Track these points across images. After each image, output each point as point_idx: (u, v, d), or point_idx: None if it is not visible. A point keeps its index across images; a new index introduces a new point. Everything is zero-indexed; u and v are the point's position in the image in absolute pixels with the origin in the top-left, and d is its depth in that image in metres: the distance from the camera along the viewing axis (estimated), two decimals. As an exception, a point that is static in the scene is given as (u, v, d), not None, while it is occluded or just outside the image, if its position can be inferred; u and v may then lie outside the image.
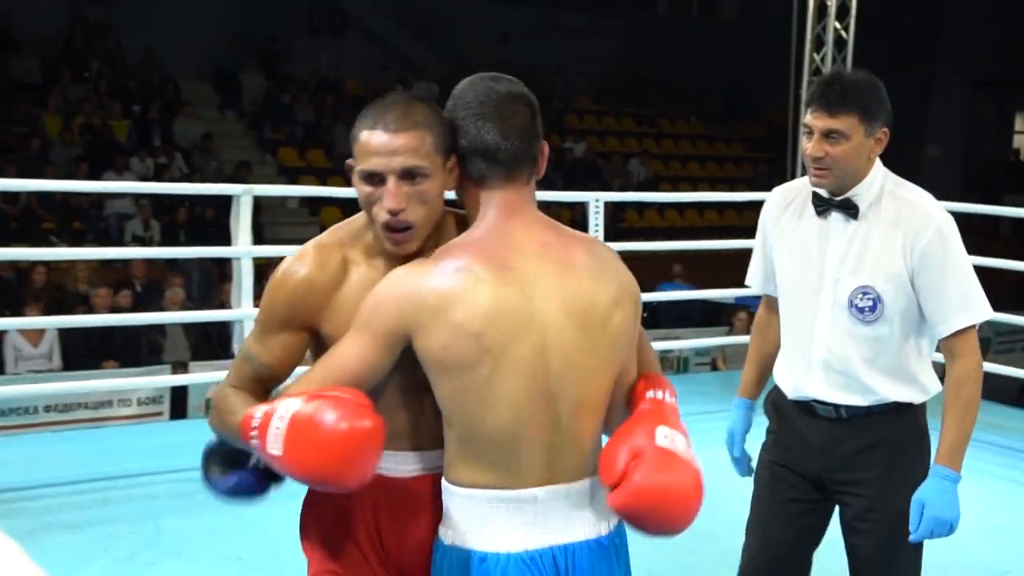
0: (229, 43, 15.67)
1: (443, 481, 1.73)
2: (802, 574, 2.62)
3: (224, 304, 6.93)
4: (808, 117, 2.42)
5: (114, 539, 3.89)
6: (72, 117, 13.21)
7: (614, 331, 1.73)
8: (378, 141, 1.65)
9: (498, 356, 1.63)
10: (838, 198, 2.42)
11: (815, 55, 8.28)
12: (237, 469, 1.82)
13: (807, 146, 2.41)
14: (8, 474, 4.44)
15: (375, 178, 1.66)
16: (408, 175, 1.63)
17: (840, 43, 8.27)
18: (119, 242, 11.30)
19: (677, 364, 9.40)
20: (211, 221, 11.48)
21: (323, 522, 1.88)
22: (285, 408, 1.59)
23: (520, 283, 1.66)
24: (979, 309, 2.37)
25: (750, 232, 3.02)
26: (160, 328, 8.59)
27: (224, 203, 5.69)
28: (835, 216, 2.43)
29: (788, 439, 2.58)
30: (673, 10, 20.19)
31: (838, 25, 8.28)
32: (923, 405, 2.50)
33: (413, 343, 1.63)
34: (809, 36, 8.35)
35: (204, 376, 7.02)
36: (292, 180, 13.45)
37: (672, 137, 17.42)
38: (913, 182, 2.59)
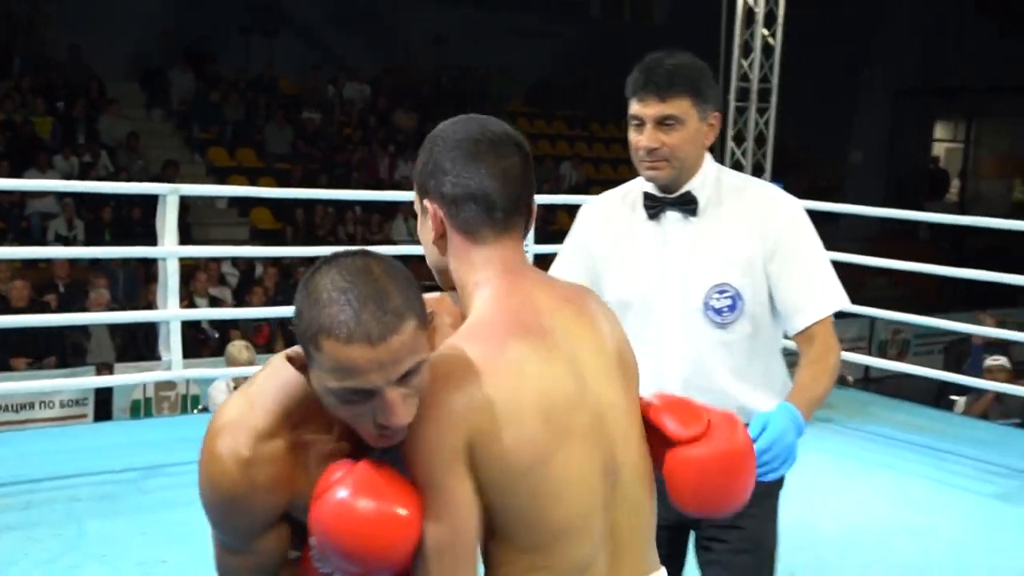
0: (158, 41, 15.50)
1: None
2: None
3: (151, 305, 6.92)
4: (635, 107, 2.20)
5: (36, 542, 3.83)
6: None
7: (636, 371, 1.60)
8: (364, 359, 1.29)
9: (562, 438, 1.40)
10: (673, 195, 2.24)
11: (743, 61, 8.41)
12: None
13: (638, 139, 2.19)
14: None
15: (363, 393, 1.33)
16: (406, 378, 1.33)
17: (768, 50, 8.39)
18: (41, 242, 11.17)
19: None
20: (138, 221, 11.30)
21: None
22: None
23: (558, 346, 1.44)
24: (837, 297, 2.22)
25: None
26: (84, 329, 8.56)
27: (151, 203, 5.64)
28: (671, 216, 2.24)
29: None
30: (605, 14, 20.42)
31: (766, 32, 8.39)
32: None
33: (475, 459, 1.34)
34: (737, 42, 8.45)
35: (129, 377, 7.17)
36: (221, 180, 13.36)
37: (604, 141, 17.59)
38: (838, 187, 2.68)
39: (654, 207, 2.23)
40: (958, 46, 18.39)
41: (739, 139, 8.45)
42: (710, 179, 2.23)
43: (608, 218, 2.33)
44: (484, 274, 1.47)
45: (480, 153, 1.46)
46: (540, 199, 9.19)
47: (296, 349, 1.36)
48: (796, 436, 1.98)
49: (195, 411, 7.41)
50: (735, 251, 2.20)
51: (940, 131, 20.54)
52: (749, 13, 8.41)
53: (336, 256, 1.34)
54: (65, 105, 13.70)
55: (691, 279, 2.21)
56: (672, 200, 2.21)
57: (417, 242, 1.76)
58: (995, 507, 4.81)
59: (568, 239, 2.43)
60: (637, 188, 2.31)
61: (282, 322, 9.55)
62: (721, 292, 2.19)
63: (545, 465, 1.38)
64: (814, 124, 14.65)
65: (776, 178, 7.45)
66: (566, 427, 1.40)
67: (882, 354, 10.06)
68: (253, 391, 1.47)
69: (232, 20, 16.10)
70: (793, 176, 7.82)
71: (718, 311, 2.19)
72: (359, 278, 1.32)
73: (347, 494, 1.34)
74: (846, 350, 8.60)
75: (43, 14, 14.59)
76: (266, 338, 9.42)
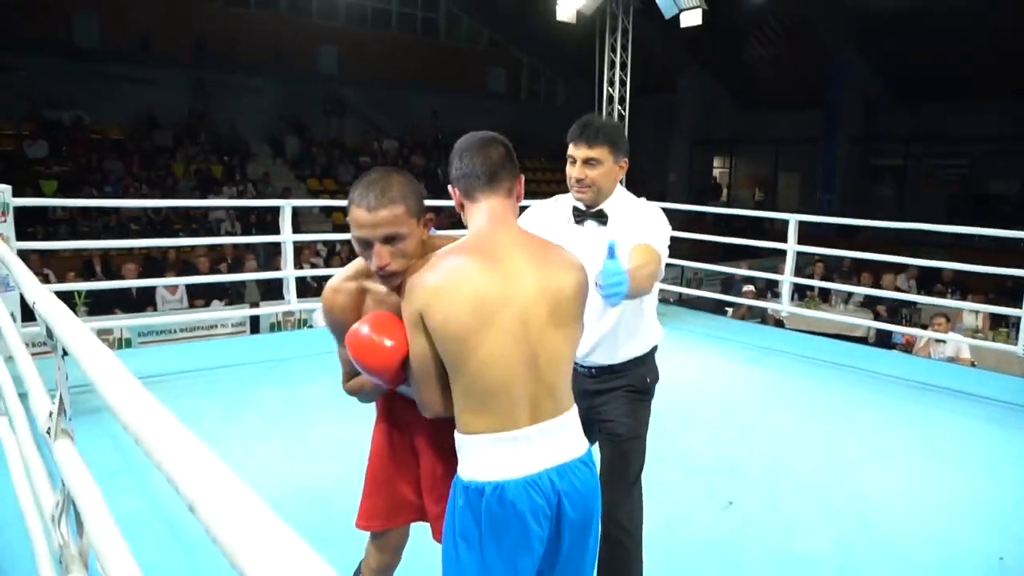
0: (277, 120, 15.65)
1: (455, 433, 1.40)
2: None
3: (278, 268, 6.15)
4: (572, 149, 2.01)
5: (218, 404, 3.74)
6: (189, 164, 13.44)
7: (576, 310, 1.44)
8: (363, 218, 1.35)
9: (488, 324, 1.32)
10: (592, 210, 2.05)
11: None
12: None
13: (572, 171, 2.01)
14: (159, 366, 4.44)
15: (364, 243, 1.38)
16: (389, 240, 1.35)
17: (621, 117, 8.41)
18: (217, 234, 11.40)
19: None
20: (270, 222, 11.40)
21: (383, 423, 1.70)
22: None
23: (504, 272, 1.36)
24: (660, 246, 1.95)
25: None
26: (242, 283, 8.52)
27: (276, 212, 5.25)
28: (590, 224, 2.05)
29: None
30: (528, 97, 20.70)
31: (620, 108, 8.50)
32: (651, 352, 2.11)
33: (424, 322, 1.33)
34: (604, 113, 8.38)
35: (269, 309, 7.11)
36: (315, 197, 13.52)
37: (531, 170, 17.49)
38: (664, 195, 2.50)
39: (580, 217, 2.06)
40: (724, 115, 19.17)
41: None
42: (618, 202, 2.05)
43: (543, 219, 2.12)
44: (477, 223, 1.42)
45: (471, 149, 1.44)
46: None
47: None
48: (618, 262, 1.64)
49: (306, 327, 7.24)
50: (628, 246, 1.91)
51: (716, 163, 20.97)
52: (609, 98, 8.56)
53: (379, 166, 1.42)
54: (228, 158, 13.97)
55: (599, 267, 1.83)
56: (591, 214, 2.05)
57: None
58: (742, 367, 4.84)
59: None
60: (565, 202, 2.11)
61: None
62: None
63: (470, 341, 1.31)
64: (648, 158, 15.42)
65: (628, 190, 7.63)
66: (487, 321, 1.32)
67: (687, 285, 10.21)
68: (353, 262, 1.55)
69: (317, 107, 16.34)
70: (638, 189, 8.17)
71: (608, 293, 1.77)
72: (378, 175, 1.38)
73: (361, 327, 1.36)
74: (668, 284, 8.88)
75: (213, 106, 14.96)
76: None
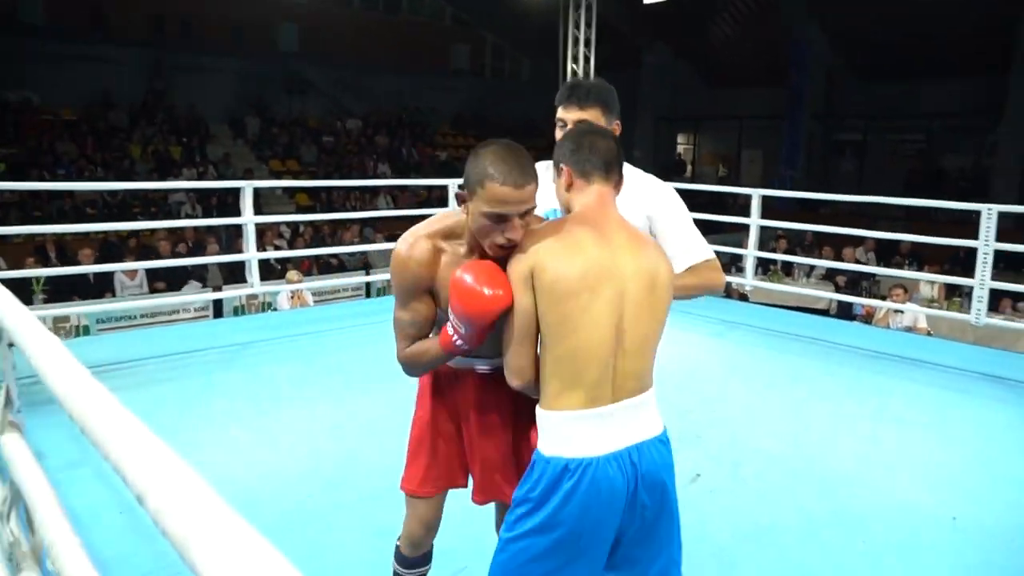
0: (237, 100, 15.42)
1: (539, 410, 1.41)
2: None
3: (241, 251, 5.92)
4: (561, 112, 1.83)
5: (182, 389, 3.69)
6: (147, 145, 13.19)
7: (667, 297, 1.46)
8: (510, 195, 1.36)
9: (592, 292, 1.36)
10: None
11: None
12: None
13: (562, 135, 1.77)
14: (119, 353, 4.33)
15: (501, 218, 1.37)
16: (526, 214, 1.40)
17: None
18: (177, 217, 11.25)
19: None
20: (231, 204, 11.28)
21: (428, 395, 1.70)
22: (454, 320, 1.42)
23: (611, 247, 1.41)
24: (708, 249, 1.84)
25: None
26: (204, 266, 8.49)
27: (237, 193, 5.16)
28: None
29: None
30: (493, 73, 20.56)
31: None
32: None
33: (533, 280, 1.37)
34: None
35: (231, 293, 6.96)
36: (278, 178, 13.25)
37: None
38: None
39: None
40: (688, 92, 19.23)
41: None
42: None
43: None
44: (585, 202, 1.46)
45: (593, 138, 1.51)
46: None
47: (461, 192, 1.39)
48: None
49: (269, 311, 7.09)
50: (629, 216, 1.61)
51: (680, 139, 21.06)
52: (574, 75, 8.55)
53: (492, 141, 1.41)
54: (187, 139, 13.73)
55: None
56: None
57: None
58: (707, 341, 4.88)
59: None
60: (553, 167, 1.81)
61: (316, 258, 9.37)
62: None
63: (574, 304, 1.34)
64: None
65: None
66: (593, 288, 1.35)
67: None
68: (423, 222, 1.52)
69: (278, 85, 16.09)
70: None
71: None
72: (511, 151, 1.39)
73: (464, 275, 1.37)
74: None
75: (172, 87, 14.63)
76: (307, 268, 9.08)
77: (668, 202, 1.83)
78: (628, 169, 1.80)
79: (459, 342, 1.43)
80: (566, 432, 1.37)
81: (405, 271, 1.47)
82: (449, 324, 1.44)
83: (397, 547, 1.79)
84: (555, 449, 1.37)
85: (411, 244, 1.47)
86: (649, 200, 1.81)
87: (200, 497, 0.62)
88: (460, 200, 1.39)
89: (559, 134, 1.77)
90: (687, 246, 1.80)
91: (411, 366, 1.54)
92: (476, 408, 1.60)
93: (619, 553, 1.44)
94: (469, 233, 1.43)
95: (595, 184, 1.47)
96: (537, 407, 1.41)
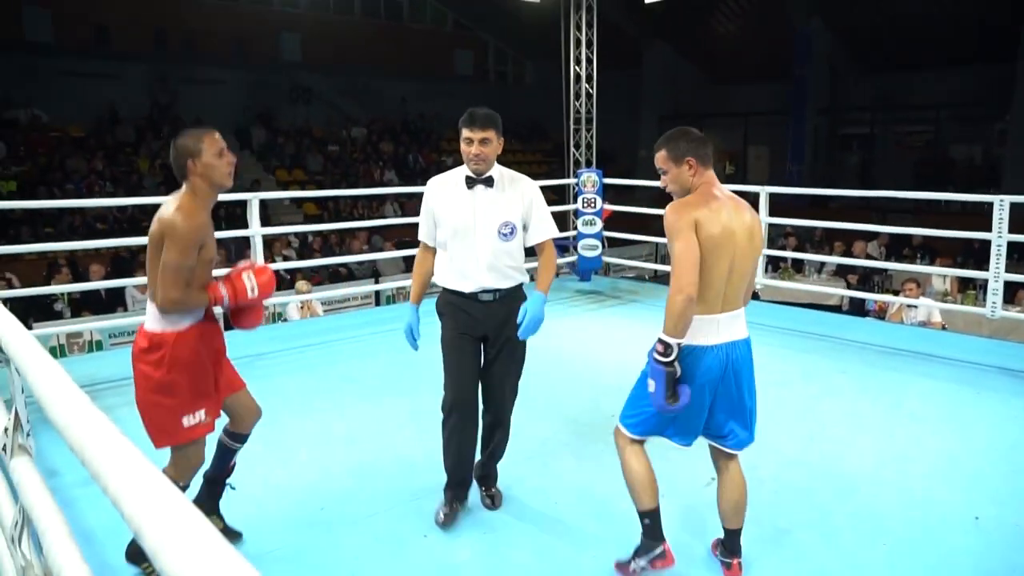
0: (243, 111, 15.40)
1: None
2: (476, 382, 2.60)
3: None
4: (466, 132, 2.49)
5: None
6: (154, 159, 13.17)
7: (759, 245, 2.15)
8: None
9: (723, 243, 2.02)
10: (481, 177, 2.53)
11: (576, 103, 8.42)
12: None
13: (468, 149, 2.50)
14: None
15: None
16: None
17: (589, 95, 8.38)
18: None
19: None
20: (239, 215, 10.69)
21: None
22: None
23: (731, 214, 2.06)
24: (555, 230, 2.60)
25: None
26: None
27: (245, 204, 5.47)
28: (479, 187, 2.54)
29: (464, 323, 2.57)
30: (497, 78, 20.65)
31: (587, 86, 8.39)
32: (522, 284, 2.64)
33: (696, 230, 2.01)
34: (572, 92, 8.42)
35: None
36: (285, 188, 13.46)
37: (503, 152, 17.80)
38: (633, 171, 2.74)
39: (471, 183, 2.54)
40: (691, 90, 19.18)
41: (577, 146, 8.46)
42: (498, 172, 2.56)
43: (441, 187, 2.60)
44: (704, 182, 2.11)
45: (704, 141, 2.15)
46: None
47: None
48: (541, 315, 2.48)
49: (279, 321, 7.03)
50: (513, 206, 2.55)
51: None
52: (577, 77, 8.42)
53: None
54: None
55: (491, 218, 2.52)
56: (481, 180, 2.53)
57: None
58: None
59: (423, 203, 2.65)
60: (457, 174, 2.59)
61: (325, 267, 9.26)
62: (506, 224, 2.53)
63: (715, 252, 2.02)
64: (618, 135, 15.05)
65: (598, 167, 7.45)
66: (724, 242, 2.03)
67: (662, 262, 9.72)
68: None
69: (282, 95, 16.14)
70: (607, 165, 8.02)
71: (504, 234, 2.53)
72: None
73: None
74: (644, 262, 8.77)
75: (176, 99, 14.71)
76: (318, 279, 9.02)
77: (536, 194, 2.62)
78: (507, 170, 2.62)
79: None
80: (693, 328, 2.07)
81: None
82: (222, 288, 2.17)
83: None
84: (686, 338, 2.07)
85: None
86: (527, 192, 2.60)
87: (197, 536, 0.59)
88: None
89: (466, 148, 2.51)
90: (543, 225, 2.62)
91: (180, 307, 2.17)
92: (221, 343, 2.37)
93: (712, 410, 2.17)
94: None
95: (708, 171, 2.13)
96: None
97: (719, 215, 2.05)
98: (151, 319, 2.12)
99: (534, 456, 3.07)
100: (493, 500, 2.73)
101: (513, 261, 2.57)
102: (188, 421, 2.10)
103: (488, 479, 2.77)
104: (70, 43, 13.56)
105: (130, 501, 0.67)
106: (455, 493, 2.65)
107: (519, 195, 2.57)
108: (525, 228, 2.58)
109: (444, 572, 2.20)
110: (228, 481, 2.36)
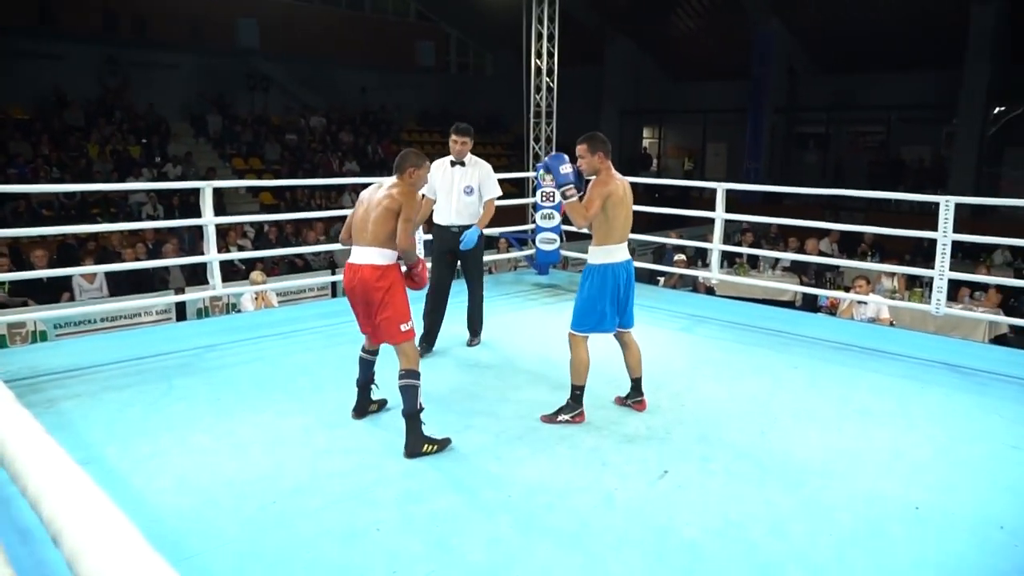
0: (198, 98, 15.11)
1: (591, 246, 3.32)
2: (447, 281, 4.39)
3: (203, 252, 6.47)
4: (453, 137, 4.31)
5: (143, 393, 3.63)
6: (104, 145, 12.86)
7: (631, 203, 3.40)
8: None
9: (621, 204, 3.29)
10: (460, 161, 4.33)
11: (536, 96, 8.29)
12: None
13: (454, 147, 4.30)
14: (77, 359, 4.26)
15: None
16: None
17: (549, 89, 8.24)
18: (138, 219, 10.93)
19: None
20: (193, 204, 10.98)
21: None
22: None
23: (624, 188, 3.35)
24: (498, 192, 4.36)
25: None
26: (166, 268, 8.11)
27: (199, 192, 5.15)
28: (458, 167, 4.35)
29: (442, 243, 4.36)
30: (459, 69, 20.51)
31: (548, 79, 8.25)
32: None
33: (605, 200, 3.22)
34: (533, 85, 8.29)
35: (194, 295, 6.80)
36: (240, 177, 13.16)
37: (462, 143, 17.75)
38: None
39: (454, 165, 4.36)
40: (653, 86, 19.40)
41: (537, 139, 8.35)
42: (470, 158, 4.36)
43: (438, 167, 4.34)
44: (607, 167, 3.33)
45: (607, 141, 3.38)
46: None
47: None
48: (477, 234, 4.32)
49: (233, 312, 7.01)
50: (472, 177, 4.35)
51: (646, 133, 21.23)
52: (539, 70, 8.28)
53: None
54: (147, 138, 13.46)
55: (462, 183, 4.33)
56: (459, 163, 4.36)
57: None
58: (674, 336, 4.92)
59: (429, 174, 3.49)
60: (447, 159, 4.37)
61: (281, 257, 9.10)
62: (468, 186, 4.34)
63: (618, 207, 3.27)
64: (578, 128, 15.71)
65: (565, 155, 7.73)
66: (623, 203, 3.31)
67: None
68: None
69: (239, 82, 15.83)
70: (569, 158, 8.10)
71: (468, 191, 4.34)
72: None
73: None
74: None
75: (130, 85, 14.33)
76: (276, 273, 8.78)
77: (488, 172, 4.39)
78: (473, 157, 4.35)
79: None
80: (604, 254, 3.32)
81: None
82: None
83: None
84: (600, 260, 3.34)
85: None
86: (482, 170, 4.38)
87: (118, 539, 0.56)
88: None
89: (453, 146, 4.36)
90: (489, 190, 4.37)
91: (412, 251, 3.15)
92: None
93: (619, 300, 3.36)
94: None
95: (608, 160, 3.34)
96: (592, 244, 3.37)
97: (619, 187, 3.28)
98: (380, 258, 3.08)
99: (487, 448, 3.06)
100: (470, 344, 4.59)
101: (470, 209, 4.34)
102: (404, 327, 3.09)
103: (473, 330, 4.62)
104: (8, 21, 13.00)
105: (50, 503, 0.63)
106: (427, 345, 4.39)
107: (477, 171, 4.36)
108: (481, 191, 4.34)
109: (396, 564, 2.18)
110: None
